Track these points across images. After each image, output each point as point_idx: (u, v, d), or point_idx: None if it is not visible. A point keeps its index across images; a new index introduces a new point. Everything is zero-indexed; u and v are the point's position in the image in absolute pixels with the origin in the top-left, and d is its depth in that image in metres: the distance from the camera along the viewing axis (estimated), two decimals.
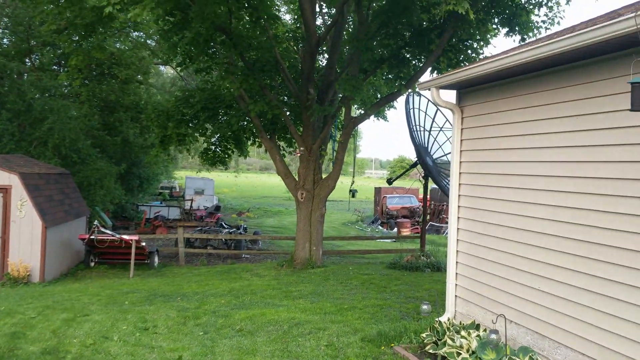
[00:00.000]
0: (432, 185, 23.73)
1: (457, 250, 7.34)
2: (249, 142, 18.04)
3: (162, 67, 33.49)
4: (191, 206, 30.10)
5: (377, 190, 34.99)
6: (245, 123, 16.73)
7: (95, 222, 15.40)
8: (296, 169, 15.32)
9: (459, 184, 7.30)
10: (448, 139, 14.28)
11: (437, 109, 14.77)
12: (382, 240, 24.05)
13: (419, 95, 14.70)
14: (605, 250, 4.93)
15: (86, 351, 6.95)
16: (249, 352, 6.87)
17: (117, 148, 23.26)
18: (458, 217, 7.31)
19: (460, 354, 5.92)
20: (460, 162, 7.29)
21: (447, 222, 24.22)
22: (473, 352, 5.86)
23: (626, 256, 4.70)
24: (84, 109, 21.23)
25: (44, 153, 18.76)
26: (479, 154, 6.92)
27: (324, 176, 15.10)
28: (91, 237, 14.67)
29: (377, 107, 14.90)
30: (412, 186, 32.98)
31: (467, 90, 7.16)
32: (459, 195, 7.31)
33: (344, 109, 15.01)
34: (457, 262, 7.34)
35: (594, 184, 5.08)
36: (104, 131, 22.43)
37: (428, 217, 24.91)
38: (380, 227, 30.10)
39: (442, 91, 7.13)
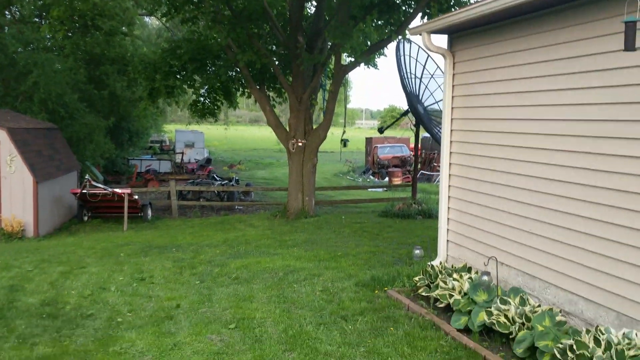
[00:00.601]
0: (423, 134, 23.74)
1: (449, 196, 7.41)
2: (238, 93, 17.84)
3: (147, 19, 32.72)
4: (182, 159, 30.03)
5: (368, 141, 34.96)
6: (234, 73, 16.50)
7: (87, 176, 15.34)
8: (286, 120, 15.23)
9: (451, 130, 7.31)
10: (439, 86, 14.19)
11: (428, 56, 14.61)
12: (373, 189, 24.22)
13: (410, 42, 14.49)
14: (594, 192, 4.99)
15: (85, 302, 7.05)
16: (245, 298, 7.00)
17: (105, 102, 22.92)
18: (450, 163, 7.34)
19: (453, 295, 6.06)
20: (452, 107, 7.28)
21: (438, 171, 24.33)
22: (465, 294, 6.00)
23: (614, 196, 4.77)
24: (69, 63, 20.77)
25: (30, 108, 18.48)
26: (471, 99, 6.89)
27: (314, 127, 15.03)
28: (83, 191, 14.65)
29: (368, 55, 14.70)
30: (403, 135, 33.02)
31: (459, 35, 7.08)
32: (451, 142, 7.32)
33: (333, 57, 14.80)
34: (449, 207, 7.42)
35: (583, 126, 5.10)
36: (90, 85, 22.03)
37: (419, 165, 24.99)
38: (371, 177, 30.24)
39: (433, 36, 7.04)
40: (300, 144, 14.27)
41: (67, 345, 5.62)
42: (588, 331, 4.63)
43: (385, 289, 7.09)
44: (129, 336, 5.84)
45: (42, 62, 18.60)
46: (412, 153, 28.79)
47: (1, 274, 8.39)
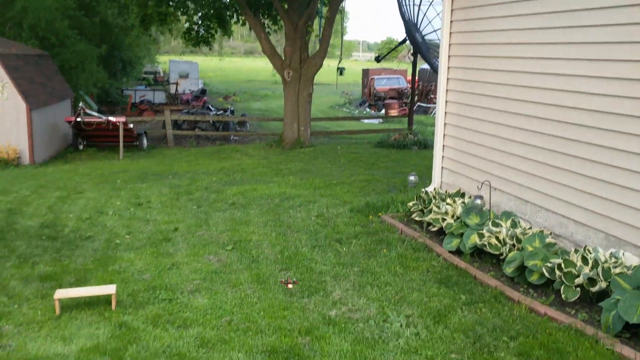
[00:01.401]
0: (421, 65, 23.41)
1: (445, 123, 7.39)
2: (233, 21, 17.43)
3: None
4: (177, 90, 29.66)
5: (365, 72, 34.51)
6: (228, 0, 16.05)
7: (80, 104, 15.18)
8: (282, 50, 14.95)
9: (449, 56, 7.20)
10: (438, 14, 13.86)
11: None
12: (370, 121, 24.13)
13: None
14: (586, 115, 4.99)
15: (83, 224, 7.15)
16: (242, 222, 7.11)
17: (96, 30, 22.33)
18: (447, 90, 7.28)
19: (445, 219, 6.16)
20: (451, 33, 7.14)
21: (435, 103, 24.19)
22: (458, 218, 6.10)
23: (605, 119, 4.78)
24: None
25: (19, 34, 18.03)
26: (469, 23, 6.76)
27: (310, 55, 14.78)
28: (77, 119, 14.54)
29: None
30: (400, 67, 32.57)
31: None
32: (448, 68, 7.23)
33: None
34: (444, 134, 7.42)
35: (579, 49, 5.04)
36: (80, 11, 21.40)
37: (416, 97, 24.78)
38: (368, 109, 30.05)
39: None
40: (289, 75, 14.04)
41: (67, 265, 5.74)
42: (576, 251, 4.76)
43: (379, 214, 7.20)
44: (128, 256, 5.96)
45: None
46: (409, 85, 28.48)
47: None
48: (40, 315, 4.55)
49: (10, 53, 13.74)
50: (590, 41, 4.98)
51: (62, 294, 4.66)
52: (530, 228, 5.59)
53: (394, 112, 25.21)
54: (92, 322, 4.43)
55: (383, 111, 27.17)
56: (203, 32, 17.46)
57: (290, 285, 5.06)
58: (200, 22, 17.36)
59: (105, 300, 4.77)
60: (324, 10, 15.10)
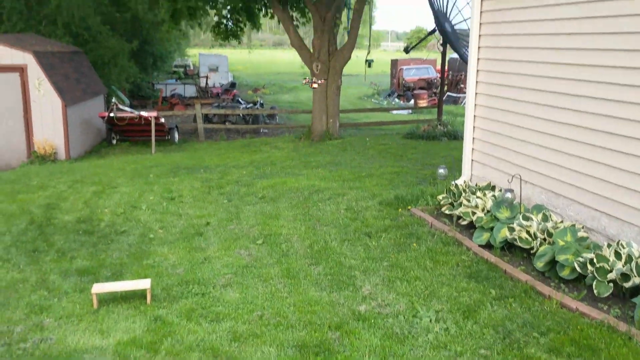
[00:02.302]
0: (450, 55, 23.14)
1: (474, 115, 7.33)
2: (261, 14, 17.48)
3: None
4: (207, 83, 29.91)
5: (394, 63, 34.26)
6: None
7: (113, 100, 15.47)
8: (310, 43, 14.96)
9: (479, 47, 7.13)
10: (468, 3, 13.69)
11: None
12: (398, 112, 24.00)
13: None
14: (620, 107, 4.90)
15: (118, 219, 7.32)
16: (272, 216, 7.19)
17: (127, 25, 22.70)
18: (477, 82, 7.22)
19: (476, 213, 6.13)
20: (481, 23, 7.06)
21: (465, 93, 23.89)
22: (488, 211, 6.07)
23: None
24: None
25: (54, 32, 18.43)
26: (500, 13, 6.67)
27: (339, 47, 14.77)
28: (110, 114, 14.84)
29: None
30: (429, 57, 32.25)
31: None
32: (479, 59, 7.16)
33: None
34: (474, 126, 7.36)
35: (615, 39, 4.93)
36: (112, 7, 21.78)
37: (446, 87, 24.55)
38: (397, 100, 29.86)
39: None
40: (318, 83, 14.08)
41: (104, 259, 5.91)
42: (609, 245, 4.70)
43: (409, 207, 7.20)
44: (162, 251, 6.10)
45: None
46: (439, 75, 28.19)
47: (38, 193, 8.71)
48: (79, 309, 4.71)
49: (46, 51, 14.07)
50: (626, 31, 4.88)
51: (99, 288, 4.81)
52: (561, 222, 5.53)
53: (423, 103, 25.02)
54: (128, 315, 4.57)
55: (412, 102, 26.98)
56: (232, 25, 17.58)
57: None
58: (229, 16, 17.48)
59: (141, 294, 4.90)
60: (352, 1, 15.05)
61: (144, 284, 4.86)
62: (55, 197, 8.47)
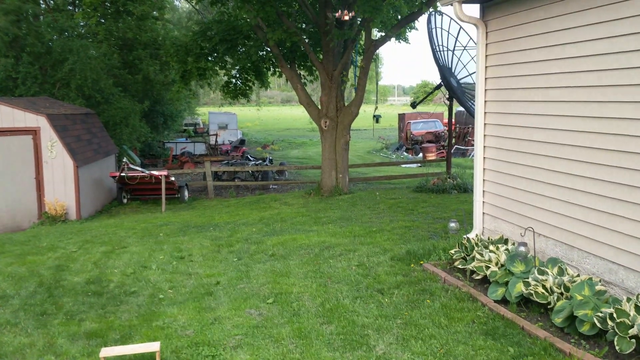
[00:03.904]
0: (457, 108, 23.41)
1: (484, 168, 7.32)
2: (269, 72, 17.86)
3: (177, 2, 32.96)
4: (216, 141, 30.32)
5: (401, 117, 34.66)
6: (265, 53, 16.51)
7: (124, 159, 15.67)
8: (318, 99, 15.20)
9: (485, 101, 7.20)
10: (472, 58, 13.95)
11: (460, 28, 14.34)
12: (407, 165, 24.09)
13: (441, 14, 14.25)
14: (633, 158, 4.87)
15: (127, 279, 7.26)
16: (282, 274, 7.11)
17: (139, 86, 23.30)
18: (485, 135, 7.24)
19: (489, 267, 6.03)
20: (486, 78, 7.15)
21: (472, 145, 24.03)
22: (502, 265, 5.97)
23: None
24: (103, 48, 21.15)
25: (67, 94, 18.91)
26: (505, 69, 6.76)
27: (346, 104, 14.99)
28: (121, 174, 14.99)
29: (398, 28, 14.50)
30: (436, 110, 32.62)
31: (491, 3, 6.92)
32: (485, 113, 7.21)
33: (364, 33, 14.67)
34: (484, 179, 7.34)
35: (624, 92, 4.96)
36: (124, 70, 22.41)
37: (453, 140, 24.71)
38: (405, 153, 30.03)
39: (464, 6, 6.88)
40: (326, 124, 14.27)
41: (113, 321, 5.82)
42: (629, 299, 4.57)
43: (421, 262, 7.10)
44: (171, 312, 6.01)
45: (77, 48, 18.98)
46: (446, 128, 28.44)
47: (48, 255, 8.69)
48: None
49: (59, 113, 14.37)
50: (633, 83, 4.91)
51: (107, 352, 4.71)
52: (578, 275, 5.41)
53: (431, 156, 25.11)
54: None
55: (420, 155, 27.10)
56: (241, 84, 17.94)
57: None
58: (238, 75, 17.86)
59: (150, 357, 4.79)
60: (359, 59, 15.36)
61: (153, 347, 4.76)
62: (65, 259, 8.44)
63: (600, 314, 4.54)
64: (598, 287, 5.00)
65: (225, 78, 18.07)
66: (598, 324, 4.52)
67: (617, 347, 4.28)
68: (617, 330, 4.32)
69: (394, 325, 5.29)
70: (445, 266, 6.88)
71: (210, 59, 16.30)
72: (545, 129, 6.05)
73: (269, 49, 15.41)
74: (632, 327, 4.27)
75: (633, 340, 4.26)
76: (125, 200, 16.09)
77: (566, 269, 5.52)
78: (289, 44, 13.87)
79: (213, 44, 15.34)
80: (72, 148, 13.87)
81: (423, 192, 14.04)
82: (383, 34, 14.63)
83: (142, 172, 15.18)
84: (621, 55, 4.98)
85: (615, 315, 4.39)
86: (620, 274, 5.12)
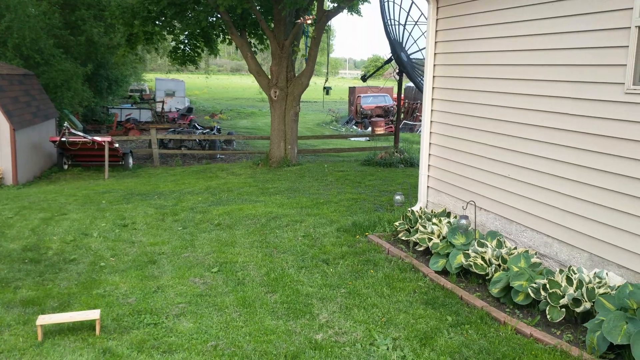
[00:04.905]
0: (406, 83, 23.62)
1: (430, 143, 7.44)
2: (219, 40, 17.50)
3: None
4: (163, 108, 29.59)
5: (351, 90, 34.70)
6: (215, 19, 16.11)
7: (65, 124, 15.10)
8: (268, 68, 15.02)
9: (433, 77, 7.27)
10: (423, 34, 14.03)
11: (412, 2, 14.36)
12: (356, 139, 24.23)
13: None
14: (570, 135, 5.05)
15: (67, 247, 7.06)
16: (228, 244, 7.07)
17: (82, 48, 22.33)
18: (432, 110, 7.35)
19: (432, 239, 6.18)
20: (435, 54, 7.22)
21: (420, 121, 24.34)
22: (444, 238, 6.12)
23: (588, 140, 4.84)
24: (43, 6, 20.08)
25: (4, 54, 17.97)
26: (454, 44, 6.84)
27: (297, 74, 14.87)
28: (62, 139, 14.45)
29: (351, 0, 14.43)
30: (385, 85, 32.82)
31: None
32: (433, 88, 7.30)
33: (316, 3, 14.52)
34: (429, 154, 7.47)
35: (562, 71, 5.11)
36: (66, 30, 21.39)
37: (402, 115, 24.95)
38: (354, 127, 30.17)
39: None
40: (275, 94, 14.15)
41: (51, 289, 5.66)
42: (561, 271, 4.79)
43: (366, 234, 7.20)
44: (113, 279, 5.90)
45: (14, 5, 17.98)
46: (395, 103, 28.69)
47: None
48: (22, 342, 4.47)
49: None
50: (572, 64, 5.06)
51: (44, 319, 4.58)
52: (515, 248, 5.62)
53: (380, 130, 25.34)
54: (75, 348, 4.36)
55: (369, 129, 27.30)
56: (189, 51, 17.50)
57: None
58: (186, 41, 17.41)
59: (89, 325, 4.70)
60: (310, 29, 15.22)
61: (93, 314, 4.66)
62: (0, 225, 8.12)
63: (534, 285, 4.74)
64: (533, 260, 5.21)
65: (174, 44, 17.60)
66: (532, 295, 4.71)
67: (548, 316, 4.49)
68: (549, 300, 4.53)
69: (337, 295, 5.37)
70: (389, 238, 7.01)
71: (157, 22, 15.77)
72: (488, 105, 6.19)
73: (219, 15, 15.05)
74: (563, 297, 4.48)
75: (563, 309, 4.48)
76: (66, 167, 15.55)
77: (505, 242, 5.72)
78: (240, 10, 13.58)
79: (161, 7, 14.81)
80: (9, 110, 13.24)
81: (371, 165, 14.19)
82: (336, 4, 14.51)
83: (84, 137, 14.68)
84: (562, 35, 5.12)
85: (548, 286, 4.59)
86: (555, 247, 5.35)
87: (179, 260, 6.50)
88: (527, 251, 5.40)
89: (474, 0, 6.37)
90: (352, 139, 24.28)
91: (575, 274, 4.65)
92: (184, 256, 6.64)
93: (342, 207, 8.87)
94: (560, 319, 4.45)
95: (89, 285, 5.76)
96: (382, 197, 9.72)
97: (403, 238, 6.72)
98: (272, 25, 14.61)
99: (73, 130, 14.99)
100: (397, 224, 7.00)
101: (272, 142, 14.87)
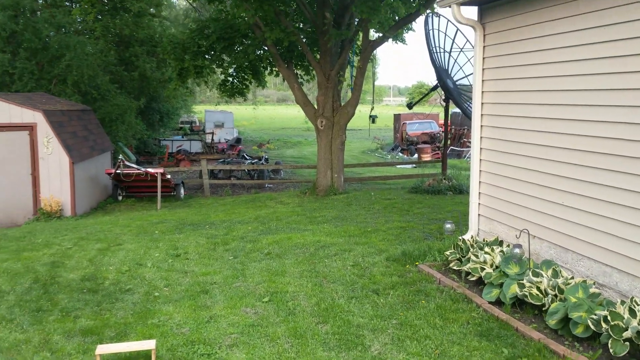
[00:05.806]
0: (452, 109, 23.45)
1: (480, 170, 7.36)
2: (266, 72, 17.88)
3: None
4: (212, 139, 30.28)
5: (397, 117, 34.71)
6: (262, 52, 16.52)
7: (120, 157, 15.64)
8: (314, 98, 15.22)
9: (482, 103, 7.23)
10: (469, 60, 13.99)
11: (457, 30, 14.38)
12: (403, 166, 24.13)
13: (439, 16, 14.29)
14: (628, 162, 4.91)
15: (122, 277, 7.26)
16: (278, 273, 7.12)
17: (135, 83, 23.25)
18: (481, 137, 7.28)
19: (484, 268, 6.06)
20: (483, 80, 7.19)
21: (468, 146, 24.08)
22: (497, 267, 6.00)
23: None
24: (100, 45, 21.11)
25: (64, 90, 18.86)
26: (502, 71, 6.80)
27: (342, 104, 15.01)
28: (117, 171, 14.96)
29: (396, 29, 14.54)
30: (431, 112, 32.70)
31: (489, 6, 6.95)
32: (482, 115, 7.25)
33: (361, 33, 14.70)
34: (480, 181, 7.38)
35: (620, 96, 5.00)
36: (120, 67, 22.37)
37: (449, 141, 24.76)
38: (400, 154, 30.08)
39: (462, 8, 6.92)
40: (322, 123, 14.29)
41: (108, 318, 5.82)
42: (623, 302, 4.61)
43: (417, 263, 7.13)
44: (167, 309, 6.01)
45: (74, 45, 18.92)
46: (442, 129, 28.50)
47: (43, 251, 8.67)
48: None
49: (55, 109, 14.33)
50: (627, 88, 4.95)
51: (103, 349, 4.71)
52: (572, 277, 5.45)
53: (426, 157, 25.17)
54: None
55: (416, 156, 27.16)
56: (238, 83, 17.95)
57: None
58: (235, 74, 17.87)
59: (145, 355, 4.80)
60: (356, 59, 15.38)
61: (149, 344, 4.76)
62: (60, 255, 8.43)
63: (594, 317, 4.58)
64: (592, 290, 5.04)
65: (222, 76, 18.09)
66: (592, 327, 4.55)
67: (611, 350, 4.31)
68: (611, 333, 4.36)
69: (389, 326, 5.31)
70: (440, 267, 6.91)
71: (207, 57, 16.29)
72: (540, 132, 6.09)
73: (266, 48, 15.42)
74: (626, 330, 4.31)
75: (627, 342, 4.30)
76: (120, 198, 16.07)
77: (560, 271, 5.56)
78: (287, 43, 13.89)
79: (210, 42, 15.32)
80: (68, 144, 13.83)
81: (418, 193, 14.08)
82: (380, 34, 14.65)
83: (138, 169, 15.15)
84: (614, 59, 5.02)
85: (609, 317, 4.43)
86: (614, 276, 5.16)
87: (231, 290, 6.58)
88: (584, 281, 5.22)
89: (521, 27, 6.34)
90: (399, 166, 24.19)
91: (638, 305, 4.47)
92: (235, 286, 6.72)
93: (390, 236, 8.82)
94: (624, 353, 4.27)
95: (144, 315, 5.89)
96: (431, 225, 9.61)
97: (454, 268, 6.61)
98: (318, 56, 14.85)
99: (127, 163, 15.52)
100: (448, 253, 6.91)
101: (318, 170, 14.98)
